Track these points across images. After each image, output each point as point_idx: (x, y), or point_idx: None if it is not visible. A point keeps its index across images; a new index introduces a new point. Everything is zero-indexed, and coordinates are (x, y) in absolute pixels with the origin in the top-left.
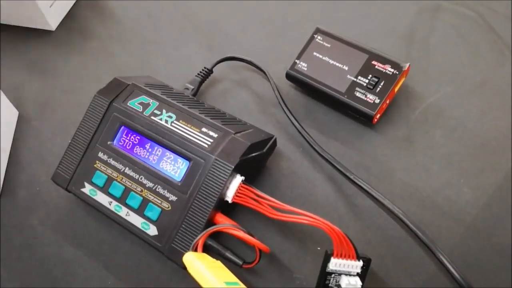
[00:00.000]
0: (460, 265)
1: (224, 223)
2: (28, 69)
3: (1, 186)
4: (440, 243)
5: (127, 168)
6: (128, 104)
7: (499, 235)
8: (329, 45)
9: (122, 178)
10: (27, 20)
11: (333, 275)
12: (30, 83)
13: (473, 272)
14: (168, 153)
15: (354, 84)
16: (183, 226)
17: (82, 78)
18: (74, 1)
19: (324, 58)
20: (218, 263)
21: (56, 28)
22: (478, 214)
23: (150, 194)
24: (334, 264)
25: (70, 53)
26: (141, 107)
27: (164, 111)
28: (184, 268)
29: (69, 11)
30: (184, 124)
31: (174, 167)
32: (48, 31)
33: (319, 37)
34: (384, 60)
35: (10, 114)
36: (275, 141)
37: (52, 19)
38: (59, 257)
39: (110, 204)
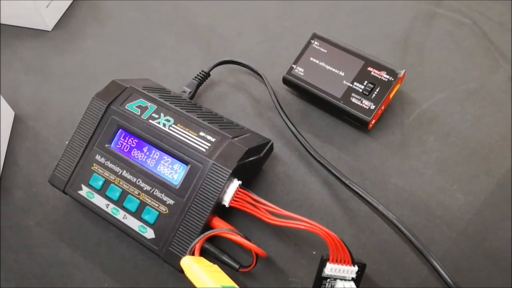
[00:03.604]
0: (452, 270)
1: (221, 227)
2: (24, 69)
3: None
4: (433, 248)
5: (124, 171)
6: (126, 107)
7: (491, 240)
8: (325, 51)
9: (120, 181)
10: (24, 20)
11: (328, 280)
12: (26, 83)
13: (464, 277)
14: (165, 156)
15: (350, 90)
16: (180, 229)
17: (79, 78)
18: (71, 1)
19: (320, 63)
20: (215, 267)
21: (53, 28)
22: (471, 219)
23: (147, 198)
24: (330, 269)
25: (66, 53)
26: (139, 110)
27: (162, 114)
28: (181, 271)
29: (66, 11)
30: (182, 128)
31: (172, 171)
32: (45, 31)
33: (316, 43)
34: (380, 67)
35: (6, 114)
36: (271, 146)
37: (49, 19)
38: (56, 258)
39: (107, 207)
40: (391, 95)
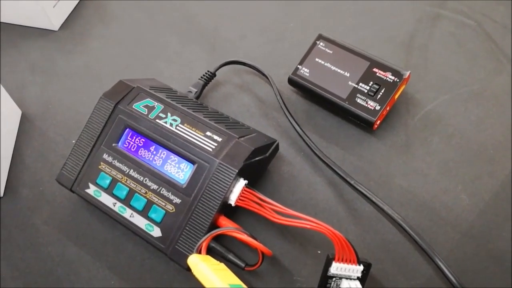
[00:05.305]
0: (456, 270)
1: (227, 226)
2: (31, 69)
3: (4, 185)
4: (437, 248)
5: (131, 170)
6: (133, 106)
7: (495, 241)
8: (331, 52)
9: (127, 179)
10: (31, 20)
11: (334, 279)
12: (33, 83)
13: (468, 277)
14: (172, 156)
15: (355, 91)
16: (187, 228)
17: (85, 78)
18: (77, 2)
19: (326, 64)
20: (222, 266)
21: (59, 28)
22: (475, 220)
23: (154, 196)
24: (336, 268)
25: (73, 53)
26: (146, 110)
27: (169, 114)
28: (187, 269)
29: (72, 11)
30: (188, 128)
31: (179, 170)
32: (51, 31)
33: (321, 44)
34: (385, 68)
35: (13, 114)
36: (277, 146)
37: (55, 19)
38: (63, 257)
39: (114, 205)
40: (396, 96)
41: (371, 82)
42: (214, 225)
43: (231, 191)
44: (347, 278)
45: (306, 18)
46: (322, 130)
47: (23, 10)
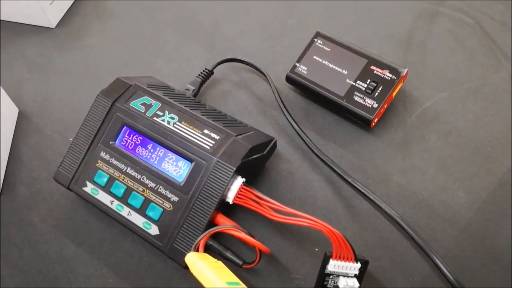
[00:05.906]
0: (454, 267)
1: (225, 224)
2: (28, 66)
3: (2, 183)
4: (435, 246)
5: (129, 168)
6: (130, 104)
7: (492, 238)
8: (329, 49)
9: (124, 177)
10: (28, 17)
11: (331, 276)
12: (30, 80)
13: (466, 274)
14: (170, 154)
15: (353, 88)
16: (185, 226)
17: (82, 76)
18: None
19: (323, 62)
20: (220, 263)
21: (56, 26)
22: (472, 217)
23: (152, 194)
24: (333, 265)
25: (70, 50)
26: (144, 107)
27: (166, 112)
28: (185, 267)
29: (69, 8)
30: (186, 126)
31: (176, 168)
32: (49, 28)
33: (319, 41)
34: (383, 65)
35: (10, 111)
36: (275, 144)
37: (52, 16)
38: (60, 255)
39: (111, 204)
40: (394, 94)
41: (369, 80)
42: (211, 223)
43: (229, 189)
44: (344, 276)
45: (305, 15)
46: (320, 128)
47: (20, 7)
